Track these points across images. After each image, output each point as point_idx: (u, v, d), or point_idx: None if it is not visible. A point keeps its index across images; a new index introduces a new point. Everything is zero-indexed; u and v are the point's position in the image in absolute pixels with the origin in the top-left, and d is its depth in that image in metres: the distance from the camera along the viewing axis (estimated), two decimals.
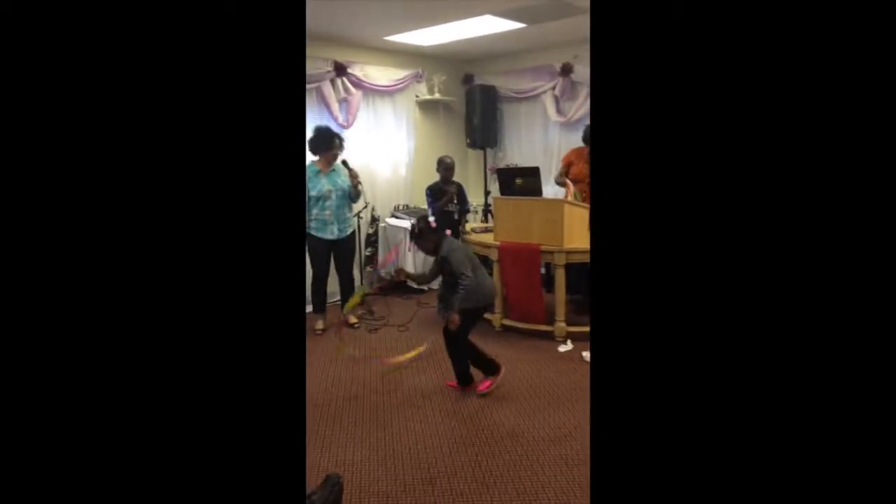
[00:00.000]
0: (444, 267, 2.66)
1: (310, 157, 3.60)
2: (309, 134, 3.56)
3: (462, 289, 2.57)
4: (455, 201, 3.85)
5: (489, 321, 3.70)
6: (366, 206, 4.41)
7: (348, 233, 3.69)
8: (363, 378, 3.01)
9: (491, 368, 2.78)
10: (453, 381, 2.83)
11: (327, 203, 3.56)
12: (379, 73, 4.60)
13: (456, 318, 2.59)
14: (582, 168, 3.77)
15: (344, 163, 3.66)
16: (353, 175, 3.58)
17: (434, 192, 3.90)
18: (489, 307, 2.91)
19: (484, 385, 2.75)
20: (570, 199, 3.51)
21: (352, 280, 3.88)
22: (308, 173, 3.55)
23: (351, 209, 3.72)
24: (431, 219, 2.73)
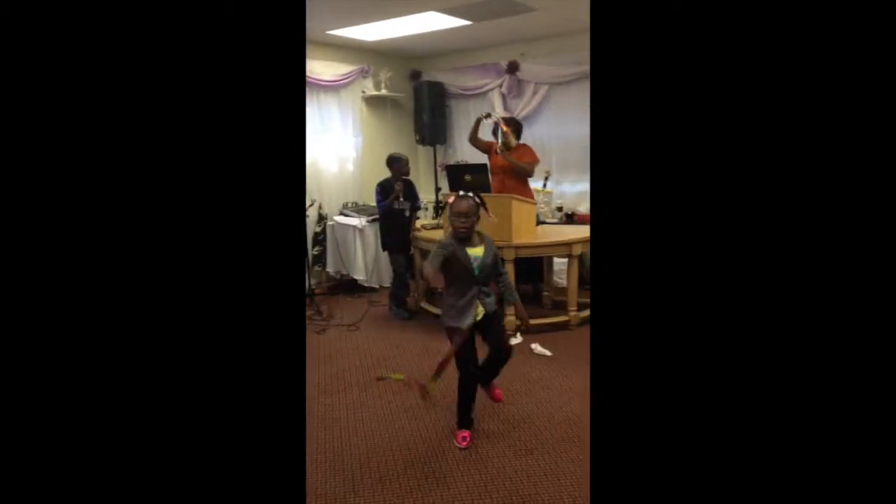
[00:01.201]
0: (494, 261, 2.18)
1: None
2: None
3: (502, 286, 2.25)
4: (401, 198, 3.82)
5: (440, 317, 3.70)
6: (312, 204, 4.30)
7: None
8: (310, 379, 2.93)
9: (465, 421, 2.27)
10: (497, 387, 2.45)
11: None
12: (323, 68, 4.50)
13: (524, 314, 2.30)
14: (493, 161, 3.83)
15: None
16: None
17: (385, 189, 3.86)
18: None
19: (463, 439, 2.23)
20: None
21: None
22: None
23: None
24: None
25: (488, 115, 3.82)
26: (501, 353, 2.26)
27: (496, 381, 2.44)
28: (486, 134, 3.95)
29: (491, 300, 2.19)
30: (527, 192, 3.82)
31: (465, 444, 2.20)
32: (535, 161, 3.78)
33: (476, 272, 2.12)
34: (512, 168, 3.72)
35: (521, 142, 3.87)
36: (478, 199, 2.14)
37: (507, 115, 4.12)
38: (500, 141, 3.73)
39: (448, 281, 2.11)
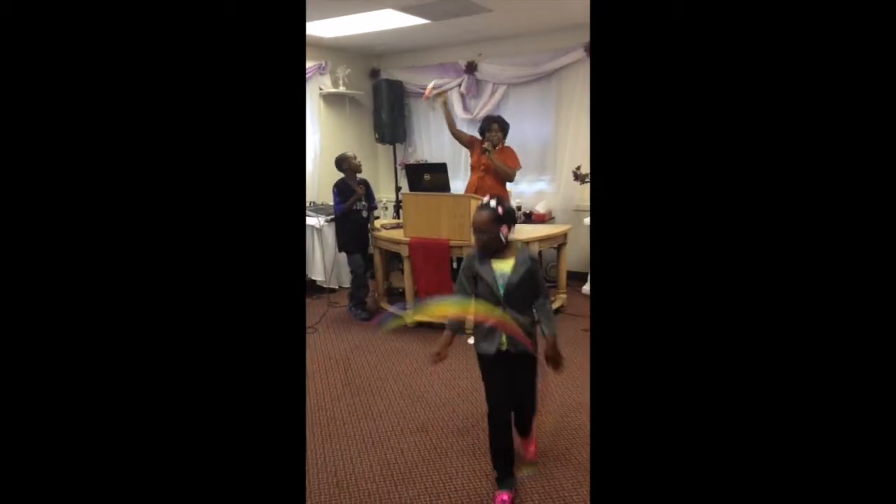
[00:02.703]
0: (529, 278, 1.72)
1: None
2: None
3: (540, 312, 1.74)
4: (363, 200, 3.78)
5: (400, 318, 3.70)
6: None
7: None
8: None
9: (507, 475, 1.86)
10: (532, 443, 1.98)
11: None
12: None
13: (556, 349, 1.75)
14: (477, 158, 3.87)
15: None
16: None
17: (342, 190, 3.80)
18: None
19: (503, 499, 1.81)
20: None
21: None
22: None
23: None
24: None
25: (434, 88, 3.84)
26: (523, 406, 1.84)
27: (533, 434, 1.98)
28: (464, 126, 3.96)
29: (519, 329, 1.69)
30: (504, 194, 3.85)
31: None
32: (518, 166, 3.81)
33: (500, 291, 1.70)
34: (493, 168, 3.73)
35: (506, 143, 3.87)
36: (500, 209, 1.70)
37: (495, 114, 4.13)
38: (485, 140, 3.72)
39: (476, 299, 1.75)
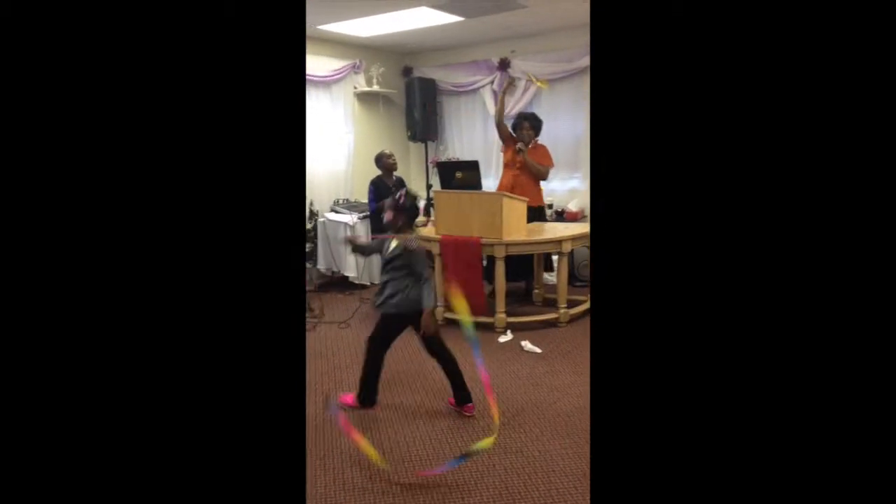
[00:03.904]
0: (404, 258, 2.33)
1: None
2: None
3: (425, 288, 2.29)
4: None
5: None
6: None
7: None
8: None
9: (366, 398, 2.47)
10: (349, 395, 2.53)
11: None
12: (314, 63, 4.47)
13: (430, 319, 2.29)
14: (511, 156, 3.84)
15: None
16: None
17: (378, 188, 3.84)
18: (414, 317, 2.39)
19: (348, 398, 2.49)
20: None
21: None
22: None
23: None
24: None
25: (513, 82, 3.81)
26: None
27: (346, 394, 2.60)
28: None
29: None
30: (536, 193, 3.81)
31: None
32: (552, 165, 3.78)
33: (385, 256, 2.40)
34: (527, 166, 3.71)
35: (540, 142, 3.83)
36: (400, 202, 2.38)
37: (528, 111, 4.11)
38: (521, 137, 3.70)
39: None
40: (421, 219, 4.40)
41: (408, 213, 2.41)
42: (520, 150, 3.71)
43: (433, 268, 2.41)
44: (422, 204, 5.14)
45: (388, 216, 2.39)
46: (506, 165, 3.88)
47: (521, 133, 3.74)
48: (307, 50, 4.43)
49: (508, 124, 3.96)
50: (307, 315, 3.90)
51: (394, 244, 2.38)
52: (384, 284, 2.40)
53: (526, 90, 4.68)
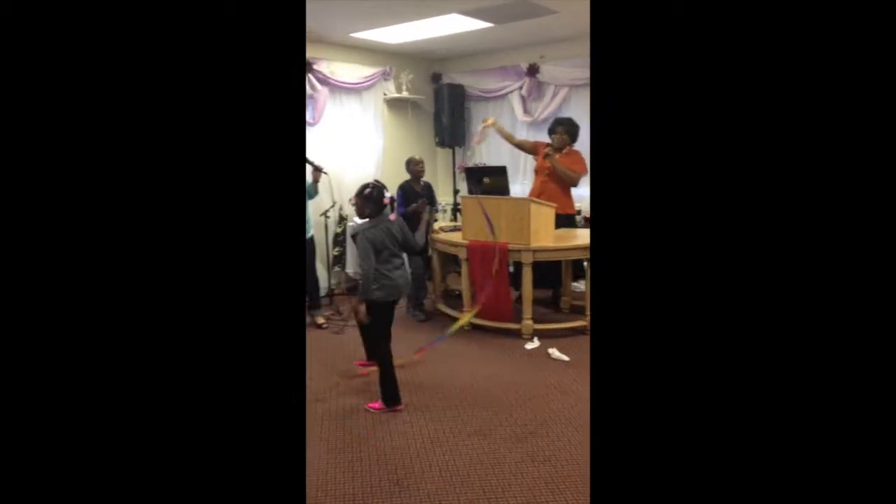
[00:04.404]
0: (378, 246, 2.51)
1: None
2: None
3: (360, 278, 2.53)
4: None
5: (458, 320, 3.71)
6: (333, 206, 4.35)
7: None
8: (330, 381, 2.97)
9: (391, 398, 2.55)
10: (376, 401, 2.58)
11: None
12: (346, 71, 4.55)
13: (359, 306, 2.51)
14: (540, 162, 3.83)
15: (307, 161, 3.61)
16: (315, 169, 3.52)
17: (406, 192, 3.88)
18: (395, 301, 2.63)
19: (375, 405, 2.57)
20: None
21: (315, 280, 3.83)
22: None
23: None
24: (388, 195, 2.57)
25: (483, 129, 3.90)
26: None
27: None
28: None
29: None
30: (566, 200, 3.78)
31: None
32: (584, 172, 3.72)
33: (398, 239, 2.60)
34: (556, 172, 3.69)
35: (576, 147, 3.79)
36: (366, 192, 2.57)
37: (563, 115, 4.08)
38: (555, 143, 3.70)
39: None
40: (447, 223, 4.41)
41: (374, 202, 2.55)
42: (547, 154, 3.69)
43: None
44: (448, 209, 5.16)
45: (354, 201, 2.64)
46: (536, 172, 3.87)
47: (556, 138, 3.71)
48: (339, 57, 4.51)
49: (535, 130, 3.95)
50: (336, 318, 3.95)
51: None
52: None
53: (555, 95, 4.65)
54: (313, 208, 3.90)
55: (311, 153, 3.72)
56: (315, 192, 3.63)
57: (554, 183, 3.73)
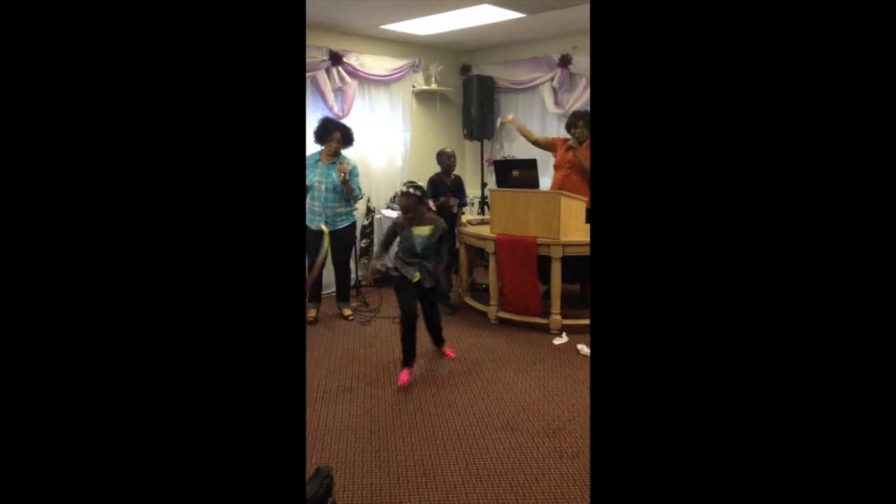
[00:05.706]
0: (441, 236, 2.87)
1: (317, 147, 3.63)
2: (315, 124, 3.62)
3: (443, 252, 2.93)
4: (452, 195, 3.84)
5: (485, 314, 3.70)
6: (361, 198, 4.38)
7: (340, 226, 3.66)
8: (358, 370, 3.00)
9: (405, 359, 2.89)
10: (451, 350, 3.14)
11: (315, 194, 3.57)
12: (375, 63, 4.55)
13: (376, 264, 3.21)
14: (561, 156, 3.78)
15: (339, 157, 3.64)
16: (340, 169, 3.53)
17: (435, 185, 3.87)
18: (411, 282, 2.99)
19: (404, 377, 2.82)
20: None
21: (347, 272, 3.86)
22: (308, 161, 3.55)
23: (347, 203, 3.68)
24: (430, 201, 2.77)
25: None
26: (432, 320, 3.07)
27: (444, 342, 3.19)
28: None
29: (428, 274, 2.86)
30: (586, 194, 3.73)
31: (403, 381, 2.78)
32: None
33: (419, 248, 2.83)
34: (580, 166, 3.64)
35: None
36: (418, 194, 2.82)
37: (583, 110, 4.06)
38: (575, 136, 3.68)
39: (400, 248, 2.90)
40: (474, 216, 4.38)
41: (420, 206, 2.89)
42: (570, 146, 3.63)
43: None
44: (476, 202, 5.13)
45: (417, 210, 2.87)
46: (556, 167, 3.81)
47: (576, 132, 3.67)
48: (368, 50, 4.52)
49: (559, 125, 3.90)
50: (363, 310, 3.98)
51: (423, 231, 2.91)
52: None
53: (587, 87, 4.56)
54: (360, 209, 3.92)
55: (349, 150, 3.75)
56: (352, 195, 3.62)
57: (576, 176, 3.67)
